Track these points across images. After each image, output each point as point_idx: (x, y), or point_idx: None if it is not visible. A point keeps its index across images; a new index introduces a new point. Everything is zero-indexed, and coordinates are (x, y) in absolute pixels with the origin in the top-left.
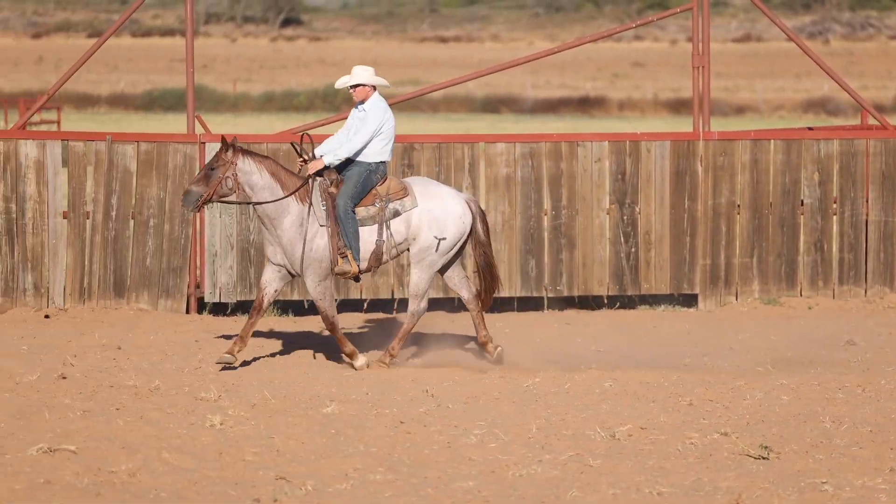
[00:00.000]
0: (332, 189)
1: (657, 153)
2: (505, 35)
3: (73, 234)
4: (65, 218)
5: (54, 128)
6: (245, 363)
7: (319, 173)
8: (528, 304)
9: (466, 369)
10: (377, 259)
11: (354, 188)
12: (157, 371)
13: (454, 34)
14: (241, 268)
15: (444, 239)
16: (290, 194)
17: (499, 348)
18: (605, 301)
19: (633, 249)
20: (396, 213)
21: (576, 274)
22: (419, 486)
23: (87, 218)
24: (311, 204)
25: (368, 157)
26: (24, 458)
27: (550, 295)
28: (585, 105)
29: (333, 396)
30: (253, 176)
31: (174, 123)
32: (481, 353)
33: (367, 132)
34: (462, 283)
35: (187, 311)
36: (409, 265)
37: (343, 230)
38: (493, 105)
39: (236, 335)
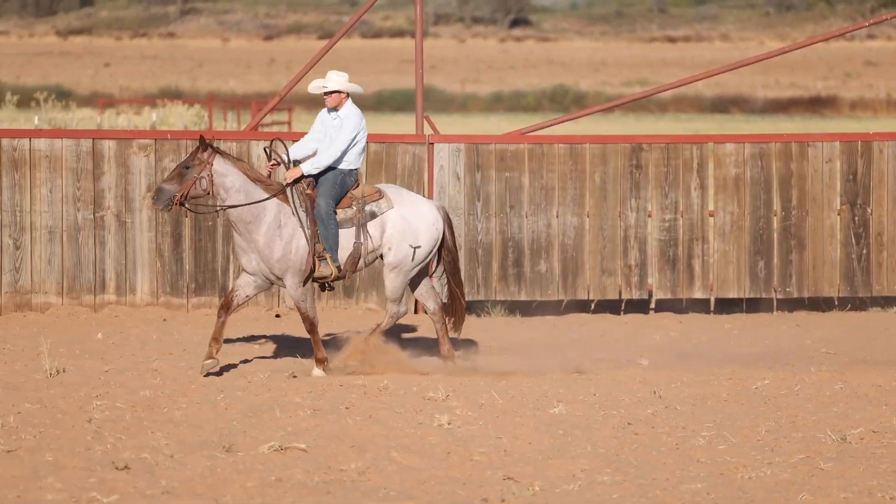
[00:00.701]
0: (309, 191)
1: (890, 153)
2: (734, 34)
3: None
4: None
5: (285, 128)
6: (469, 362)
7: (295, 182)
8: (757, 305)
9: (695, 371)
10: (353, 263)
11: (333, 188)
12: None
13: (683, 34)
14: (469, 268)
15: (419, 247)
16: (268, 199)
17: (457, 363)
18: (836, 303)
19: (864, 251)
20: (373, 215)
21: (806, 275)
22: (647, 487)
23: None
24: (294, 206)
25: (343, 164)
26: (256, 455)
27: (780, 296)
28: (816, 105)
29: (561, 397)
30: (228, 178)
31: (403, 124)
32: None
33: (345, 140)
34: (429, 295)
35: (416, 312)
36: (389, 271)
37: (324, 232)
38: (722, 105)
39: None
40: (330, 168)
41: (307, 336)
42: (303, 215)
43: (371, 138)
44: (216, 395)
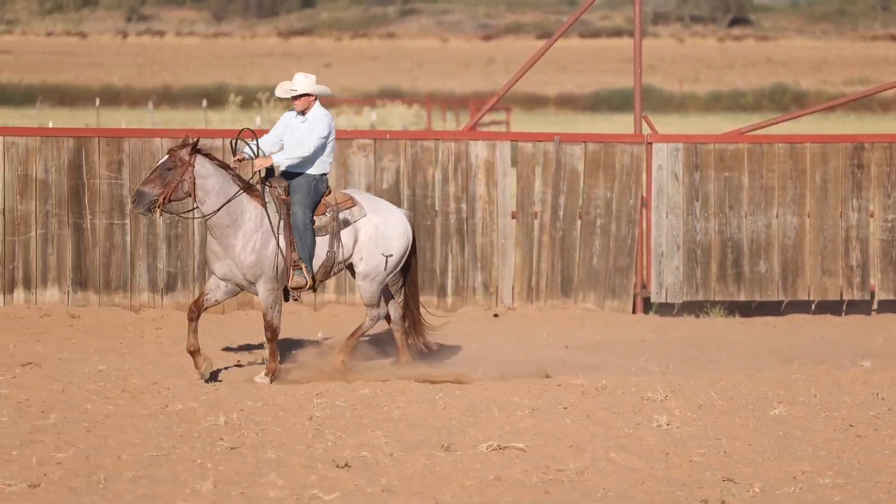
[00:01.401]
0: (285, 196)
1: None
2: None
3: (521, 233)
4: (513, 218)
5: (503, 128)
6: (689, 362)
7: (267, 179)
8: None
9: None
10: (325, 272)
11: (308, 197)
12: (604, 370)
13: None
14: (687, 268)
15: (390, 256)
16: (239, 193)
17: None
18: None
19: None
20: (346, 223)
21: None
22: (870, 490)
23: (535, 218)
24: (269, 211)
25: (314, 169)
26: (474, 454)
27: None
28: None
29: (781, 398)
30: (209, 180)
31: (621, 124)
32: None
33: (315, 141)
34: (391, 303)
35: (633, 311)
36: (362, 280)
37: (300, 241)
38: None
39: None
40: (300, 174)
41: (525, 334)
42: (277, 221)
43: (589, 138)
44: (435, 394)
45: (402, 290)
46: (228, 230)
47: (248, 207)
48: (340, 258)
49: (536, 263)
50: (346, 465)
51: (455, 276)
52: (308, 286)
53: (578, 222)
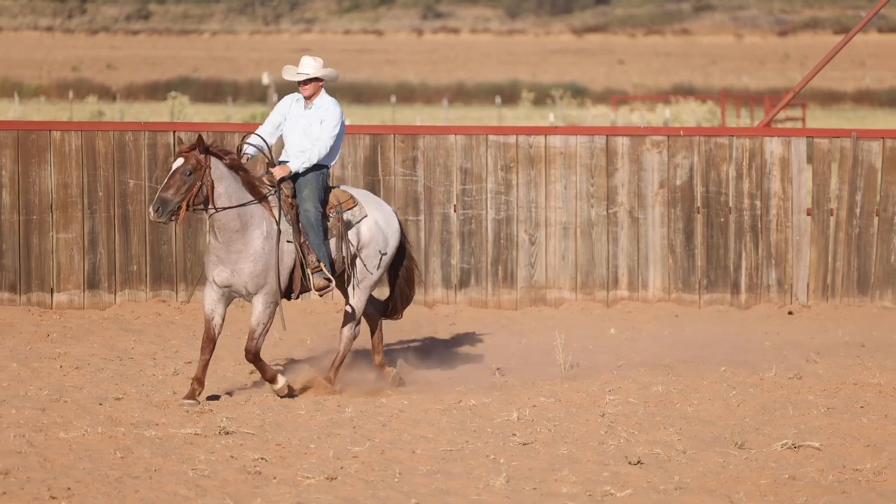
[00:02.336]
0: (291, 199)
1: None
2: None
3: (816, 230)
4: (808, 215)
5: (799, 125)
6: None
7: (280, 184)
8: None
9: None
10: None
11: (317, 192)
12: None
13: None
14: None
15: (385, 254)
16: (251, 202)
17: (394, 370)
18: None
19: None
20: (349, 225)
21: None
22: None
23: (831, 215)
24: (278, 216)
25: (322, 161)
26: (769, 453)
27: None
28: None
29: None
30: (223, 182)
31: None
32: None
33: (329, 135)
34: (370, 302)
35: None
36: (357, 283)
37: (316, 240)
38: None
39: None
40: (307, 168)
41: (820, 332)
42: (287, 226)
43: (887, 134)
44: (728, 392)
45: (395, 288)
46: (236, 235)
47: (258, 213)
48: (348, 261)
49: (832, 261)
50: (638, 461)
51: (749, 273)
52: (331, 288)
53: (875, 219)
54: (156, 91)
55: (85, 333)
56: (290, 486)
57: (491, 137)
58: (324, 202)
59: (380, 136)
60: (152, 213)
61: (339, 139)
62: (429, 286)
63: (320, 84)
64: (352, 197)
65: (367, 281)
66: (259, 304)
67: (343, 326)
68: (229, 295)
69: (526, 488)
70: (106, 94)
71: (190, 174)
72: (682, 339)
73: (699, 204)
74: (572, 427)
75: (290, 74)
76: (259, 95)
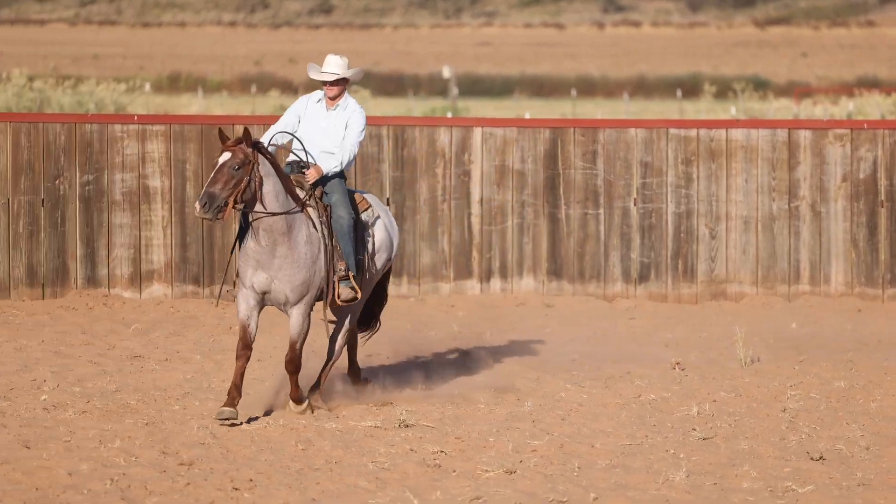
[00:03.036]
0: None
1: None
2: None
3: None
4: None
5: None
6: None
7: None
8: None
9: None
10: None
11: (345, 196)
12: None
13: None
14: None
15: (390, 258)
16: (302, 209)
17: (370, 383)
18: None
19: None
20: (365, 228)
21: None
22: None
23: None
24: (314, 220)
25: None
26: None
27: None
28: None
29: None
30: (269, 180)
31: None
32: None
33: (358, 138)
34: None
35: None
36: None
37: (347, 248)
38: None
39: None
40: (330, 172)
41: None
42: (324, 231)
43: None
44: None
45: (378, 297)
46: (281, 238)
47: (299, 216)
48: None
49: None
50: (820, 457)
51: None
52: (358, 300)
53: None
54: None
55: (268, 326)
56: (469, 480)
57: (672, 131)
58: (355, 207)
59: (560, 130)
60: (198, 209)
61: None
62: (608, 280)
63: (345, 85)
64: (363, 198)
65: (369, 286)
66: (297, 315)
67: (337, 334)
68: (262, 305)
69: (706, 483)
70: (288, 87)
71: (238, 168)
72: (865, 335)
73: (883, 198)
74: (753, 422)
75: (316, 73)
76: (440, 89)
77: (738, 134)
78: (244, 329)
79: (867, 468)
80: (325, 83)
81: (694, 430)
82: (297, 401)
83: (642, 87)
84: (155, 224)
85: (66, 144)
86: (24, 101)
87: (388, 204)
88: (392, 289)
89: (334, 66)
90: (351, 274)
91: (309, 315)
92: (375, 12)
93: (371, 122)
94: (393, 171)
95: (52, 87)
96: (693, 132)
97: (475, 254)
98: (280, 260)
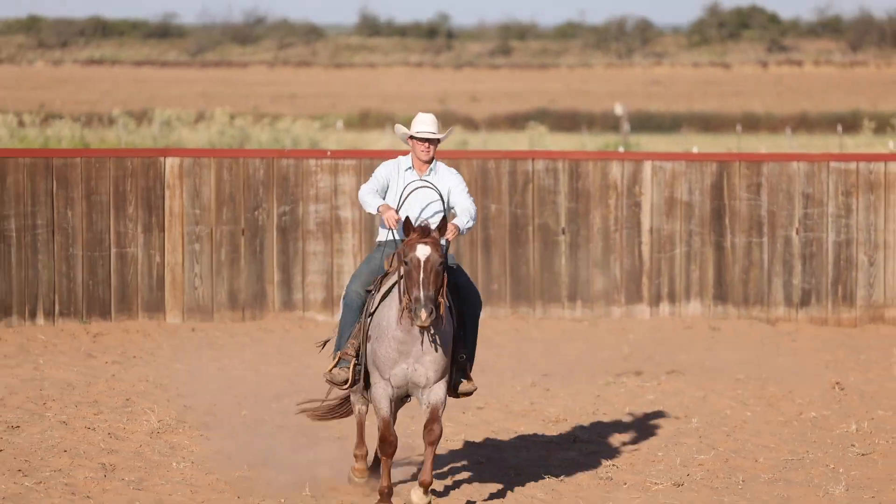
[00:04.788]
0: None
1: None
2: None
3: None
4: None
5: None
6: None
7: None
8: None
9: None
10: None
11: (468, 278)
12: None
13: None
14: None
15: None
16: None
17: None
18: None
19: None
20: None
21: None
22: None
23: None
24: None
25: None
26: None
27: None
28: None
29: None
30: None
31: None
32: None
33: (469, 193)
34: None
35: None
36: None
37: (473, 337)
38: None
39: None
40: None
41: None
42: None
43: None
44: None
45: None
46: (441, 321)
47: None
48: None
49: None
50: None
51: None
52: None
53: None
54: (516, 121)
55: None
56: (639, 492)
57: (832, 164)
58: None
59: (725, 164)
60: (424, 317)
61: None
62: (771, 304)
63: (436, 147)
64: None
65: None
66: (440, 389)
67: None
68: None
69: (864, 496)
70: (470, 124)
71: (441, 265)
72: None
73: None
74: None
75: (412, 131)
76: (612, 125)
77: (895, 167)
78: (388, 425)
79: None
80: (422, 140)
81: (853, 445)
82: (427, 486)
83: (804, 123)
84: (346, 252)
85: (264, 178)
86: (226, 138)
87: (563, 233)
88: (566, 313)
89: (430, 125)
90: (469, 366)
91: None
92: (552, 53)
93: (547, 156)
94: (568, 202)
95: (252, 124)
96: (853, 165)
97: (645, 280)
98: (435, 342)
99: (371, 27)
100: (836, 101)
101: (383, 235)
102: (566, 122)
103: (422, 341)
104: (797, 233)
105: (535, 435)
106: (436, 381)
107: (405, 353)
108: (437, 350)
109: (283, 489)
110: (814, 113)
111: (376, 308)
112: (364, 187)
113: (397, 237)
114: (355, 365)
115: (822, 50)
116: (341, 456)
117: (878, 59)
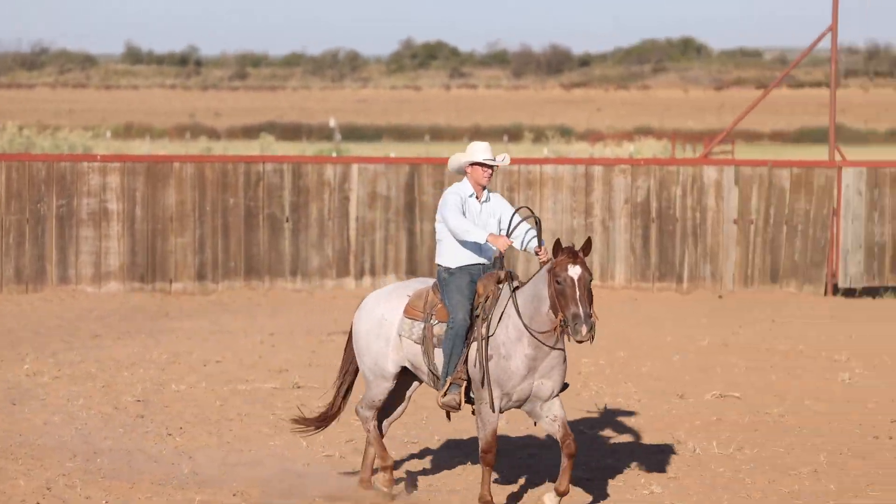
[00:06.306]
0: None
1: None
2: None
3: (740, 235)
4: (735, 223)
5: (729, 156)
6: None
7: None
8: None
9: None
10: None
11: None
12: (803, 338)
13: None
14: (867, 262)
15: None
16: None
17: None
18: None
19: None
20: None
21: None
22: None
23: (751, 224)
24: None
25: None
26: (701, 402)
27: None
28: None
29: None
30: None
31: (819, 154)
32: None
33: None
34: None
35: (825, 294)
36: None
37: None
38: None
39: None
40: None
41: (743, 311)
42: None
43: (794, 164)
44: (672, 356)
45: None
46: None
47: None
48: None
49: (752, 258)
50: None
51: (689, 268)
52: None
53: (785, 227)
54: (250, 132)
55: (196, 312)
56: (344, 427)
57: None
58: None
59: (416, 166)
60: (584, 332)
61: None
62: None
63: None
64: None
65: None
66: (560, 402)
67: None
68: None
69: None
70: (214, 134)
71: (591, 281)
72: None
73: (654, 216)
74: None
75: (482, 157)
76: (327, 135)
77: (548, 168)
78: (496, 437)
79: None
80: (487, 166)
81: None
82: (563, 494)
83: (478, 134)
84: (112, 237)
85: (45, 177)
86: (15, 145)
87: (287, 221)
88: (289, 285)
89: (490, 153)
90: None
91: None
92: (279, 78)
93: (275, 160)
94: (291, 197)
95: (37, 134)
96: (516, 167)
97: (352, 258)
98: (555, 359)
99: (135, 56)
100: (502, 116)
101: (453, 261)
102: (290, 132)
103: (552, 353)
104: None
105: (263, 383)
106: (556, 395)
107: (533, 368)
108: (564, 364)
109: (57, 427)
110: (485, 126)
111: (495, 330)
112: (456, 221)
113: (482, 260)
114: (466, 387)
115: (492, 76)
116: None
117: (536, 84)
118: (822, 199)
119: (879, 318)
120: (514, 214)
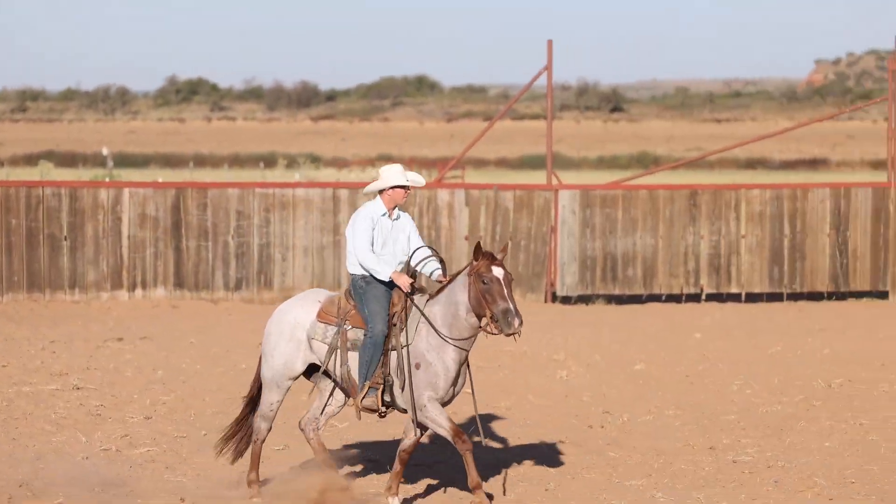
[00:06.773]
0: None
1: (863, 197)
2: (760, 116)
3: (470, 251)
4: (466, 240)
5: (459, 181)
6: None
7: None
8: (774, 297)
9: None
10: None
11: None
12: (527, 341)
13: (725, 116)
14: (580, 273)
15: None
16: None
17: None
18: (826, 296)
19: (845, 261)
20: None
21: (805, 277)
22: (699, 419)
23: (480, 240)
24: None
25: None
26: None
27: (788, 291)
28: (814, 164)
29: (642, 359)
30: None
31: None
32: None
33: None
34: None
35: (545, 301)
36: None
37: None
38: (751, 164)
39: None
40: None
41: None
42: None
43: (517, 187)
44: None
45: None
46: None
47: None
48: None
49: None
50: None
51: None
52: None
53: (509, 243)
54: (31, 160)
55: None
56: (119, 424)
57: (257, 190)
58: None
59: (182, 189)
60: (517, 324)
61: None
62: (214, 289)
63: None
64: None
65: None
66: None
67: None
68: None
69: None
70: None
71: (511, 282)
72: None
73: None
74: None
75: (402, 178)
76: (100, 162)
77: (300, 192)
78: (459, 428)
79: None
80: (402, 188)
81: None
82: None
83: (237, 161)
84: None
85: None
86: None
87: (66, 240)
88: (68, 297)
89: (408, 174)
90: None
91: None
92: (57, 111)
93: (54, 185)
94: (69, 217)
95: None
96: (271, 191)
97: (125, 273)
98: (463, 367)
99: None
100: (259, 146)
101: (359, 269)
102: (67, 160)
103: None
104: (232, 238)
105: (45, 385)
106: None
107: (453, 376)
108: (465, 371)
109: None
110: (244, 154)
111: (413, 339)
112: (363, 254)
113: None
114: (382, 392)
115: (248, 109)
116: None
117: (289, 117)
118: (542, 218)
119: (592, 322)
120: (414, 252)
